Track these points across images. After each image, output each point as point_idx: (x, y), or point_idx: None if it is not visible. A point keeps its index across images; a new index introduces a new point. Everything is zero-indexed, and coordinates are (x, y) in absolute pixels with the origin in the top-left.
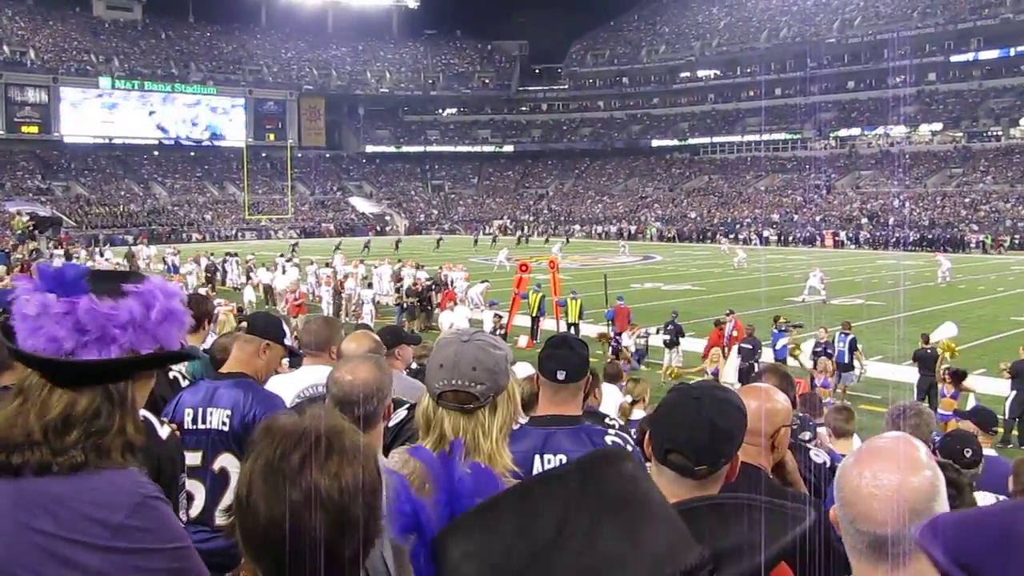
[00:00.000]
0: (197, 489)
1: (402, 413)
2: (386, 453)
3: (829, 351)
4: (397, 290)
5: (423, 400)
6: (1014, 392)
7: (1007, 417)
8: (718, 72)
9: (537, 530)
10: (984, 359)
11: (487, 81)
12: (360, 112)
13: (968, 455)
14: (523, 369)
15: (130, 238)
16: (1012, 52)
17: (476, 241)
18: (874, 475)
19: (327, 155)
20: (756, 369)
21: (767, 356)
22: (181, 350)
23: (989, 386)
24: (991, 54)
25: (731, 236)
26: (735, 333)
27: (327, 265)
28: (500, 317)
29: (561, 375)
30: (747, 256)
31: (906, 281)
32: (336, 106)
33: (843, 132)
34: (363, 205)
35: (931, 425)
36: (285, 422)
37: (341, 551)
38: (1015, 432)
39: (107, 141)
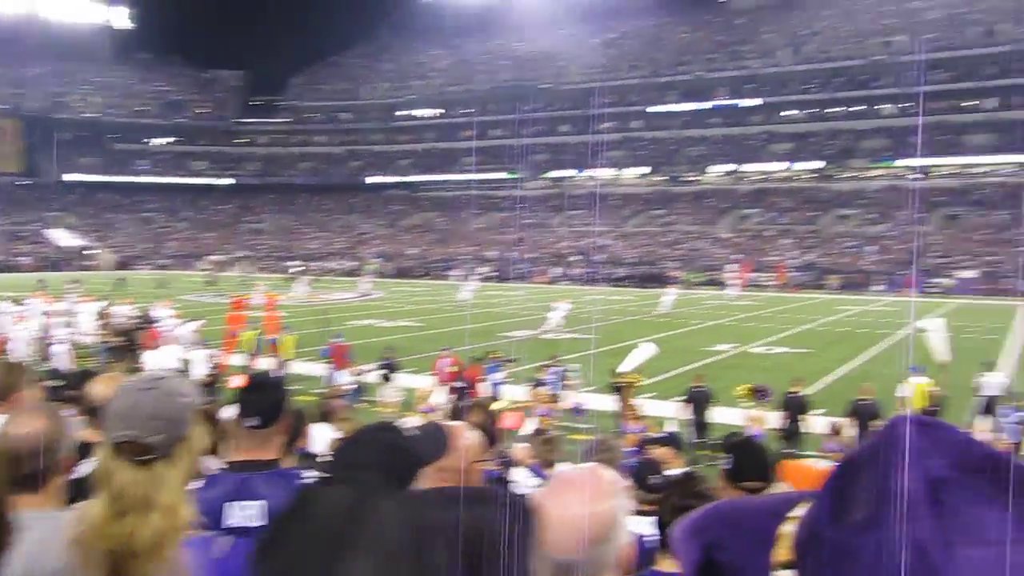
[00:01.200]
0: None
1: (89, 466)
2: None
3: (545, 383)
4: (104, 327)
5: (99, 452)
6: (692, 416)
7: (694, 439)
8: (438, 111)
9: None
10: (682, 387)
11: (203, 111)
12: (62, 137)
13: (653, 481)
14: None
15: None
16: (704, 105)
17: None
18: (564, 505)
19: (23, 182)
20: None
21: (482, 390)
22: None
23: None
24: (687, 106)
25: (463, 274)
26: (454, 368)
27: (18, 303)
28: (214, 356)
29: (253, 421)
30: (473, 292)
31: (613, 315)
32: (34, 129)
33: (556, 173)
34: (64, 238)
35: (619, 457)
36: None
37: None
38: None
39: None
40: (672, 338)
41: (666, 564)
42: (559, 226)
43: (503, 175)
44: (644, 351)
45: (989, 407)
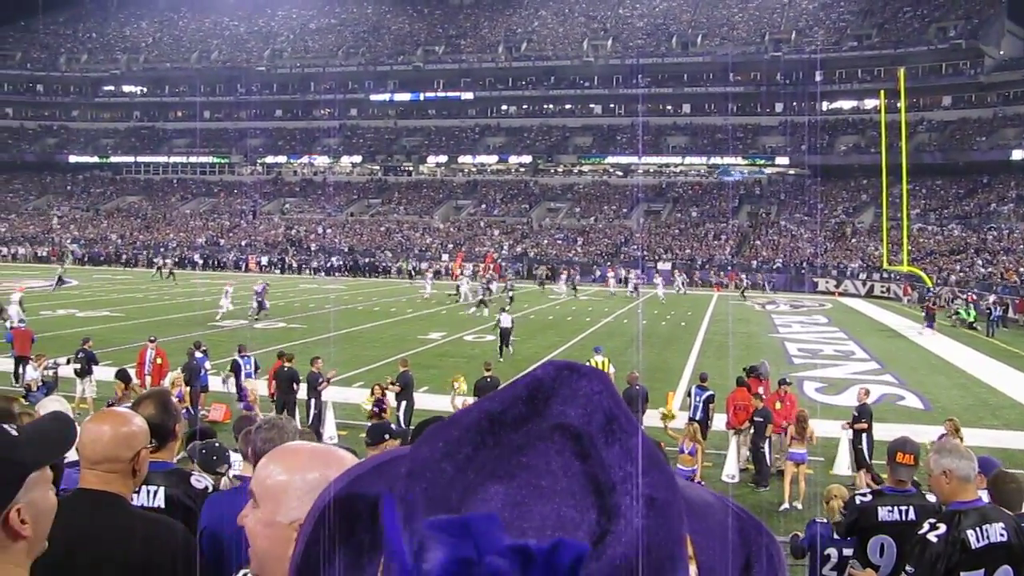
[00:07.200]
0: None
1: None
2: None
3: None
4: None
5: None
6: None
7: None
8: (145, 89)
9: None
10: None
11: None
12: None
13: None
14: None
15: None
16: (421, 96)
17: None
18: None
19: None
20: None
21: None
22: None
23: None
24: (404, 96)
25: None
26: (159, 361)
27: None
28: None
29: None
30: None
31: (328, 304)
32: None
33: (270, 159)
34: None
35: None
36: None
37: None
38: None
39: None
40: (386, 326)
41: None
42: (272, 214)
43: (213, 159)
44: None
45: None
